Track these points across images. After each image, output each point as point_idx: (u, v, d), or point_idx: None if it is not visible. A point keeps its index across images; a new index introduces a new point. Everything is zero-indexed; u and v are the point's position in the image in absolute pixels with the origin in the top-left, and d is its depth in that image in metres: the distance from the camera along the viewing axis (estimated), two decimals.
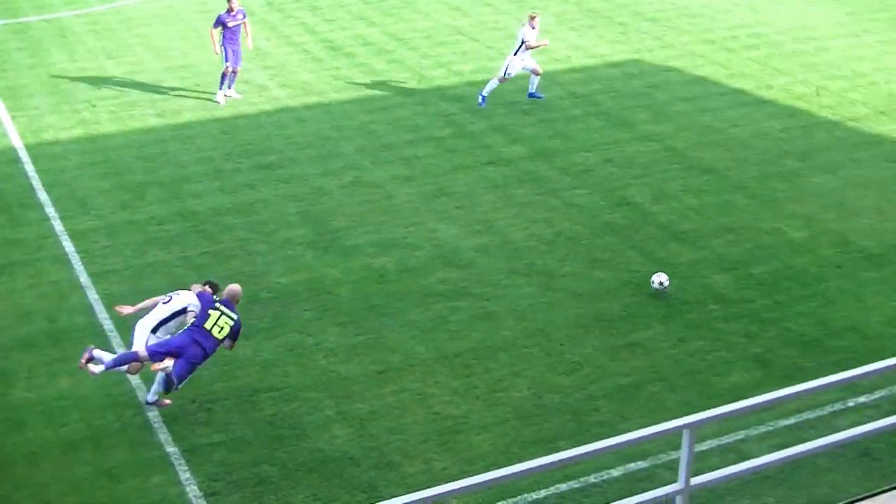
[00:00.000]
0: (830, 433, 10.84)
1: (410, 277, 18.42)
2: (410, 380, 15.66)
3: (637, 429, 9.21)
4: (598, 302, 17.67)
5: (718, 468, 9.98)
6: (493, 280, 18.32)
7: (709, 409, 9.41)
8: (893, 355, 10.50)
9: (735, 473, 9.84)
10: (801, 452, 10.17)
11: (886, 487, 10.70)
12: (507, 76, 25.51)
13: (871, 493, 10.66)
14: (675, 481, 9.31)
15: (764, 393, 9.76)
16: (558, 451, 8.81)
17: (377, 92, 27.02)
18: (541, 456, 8.71)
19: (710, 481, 9.62)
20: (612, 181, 22.14)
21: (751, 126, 24.94)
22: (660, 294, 17.78)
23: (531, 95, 25.94)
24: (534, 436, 14.45)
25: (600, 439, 9.03)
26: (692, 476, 9.27)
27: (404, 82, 27.66)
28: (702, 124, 25.03)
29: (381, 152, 23.47)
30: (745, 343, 16.55)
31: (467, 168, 22.69)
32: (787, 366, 15.92)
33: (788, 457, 10.09)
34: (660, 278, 17.84)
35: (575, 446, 9.03)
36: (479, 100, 25.72)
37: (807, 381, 10.03)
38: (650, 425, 9.20)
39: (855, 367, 10.23)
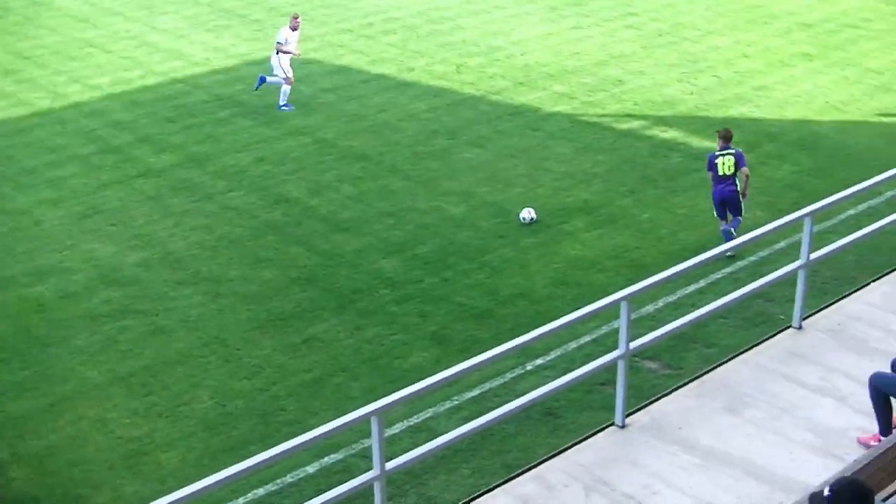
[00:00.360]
0: (514, 398, 11.05)
1: (72, 302, 17.57)
2: (87, 407, 14.92)
3: (326, 422, 9.08)
4: (268, 302, 17.38)
5: (411, 449, 9.99)
6: (159, 293, 17.72)
7: (393, 392, 9.39)
8: (561, 315, 10.76)
9: (428, 452, 9.86)
10: (489, 421, 10.30)
11: (571, 443, 11.00)
12: (288, 76, 25.28)
13: (558, 449, 10.93)
14: (370, 469, 9.24)
15: (445, 369, 9.82)
16: (250, 457, 8.57)
17: (10, 114, 25.71)
18: (233, 464, 8.46)
19: (405, 463, 9.60)
20: (268, 179, 21.87)
21: (397, 109, 25.21)
22: (530, 224, 19.43)
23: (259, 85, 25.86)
24: (223, 445, 14.05)
25: (290, 438, 8.84)
26: (386, 461, 9.23)
27: (38, 102, 26.44)
28: (349, 112, 25.11)
29: (21, 177, 22.31)
30: (420, 323, 16.66)
31: (117, 183, 21.88)
32: (463, 339, 16.13)
33: (477, 427, 10.19)
34: (528, 213, 19.57)
35: (266, 449, 8.79)
36: (287, 109, 25.28)
37: (484, 351, 10.17)
38: (338, 417, 9.10)
39: (527, 331, 10.42)
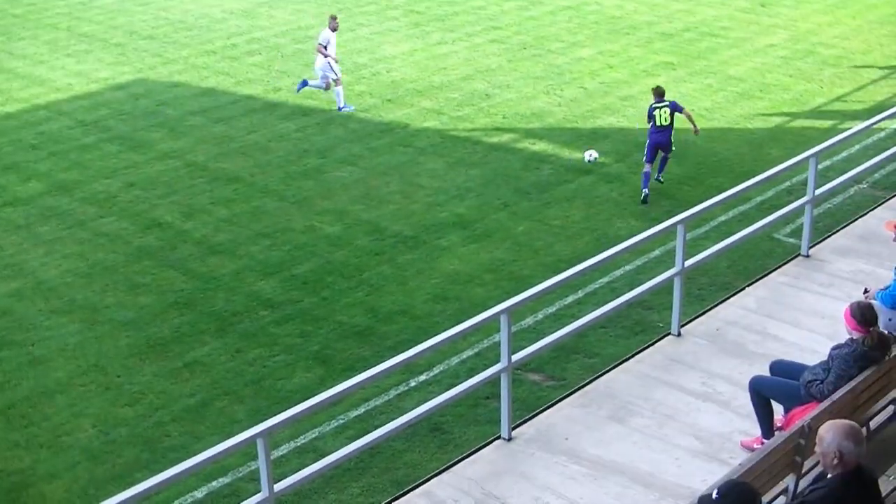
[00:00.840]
0: (399, 415, 11.09)
1: None
2: None
3: (211, 447, 9.04)
4: (147, 328, 17.15)
5: (299, 470, 9.98)
6: (34, 323, 17.35)
7: (279, 413, 9.40)
8: (442, 331, 10.87)
9: (316, 472, 9.88)
10: (376, 439, 10.35)
11: (459, 457, 11.08)
12: (337, 76, 25.97)
13: (446, 465, 11.01)
14: (259, 491, 9.22)
15: (329, 388, 9.87)
16: (136, 484, 8.50)
17: None
18: (119, 492, 8.39)
19: (293, 484, 9.61)
20: (139, 204, 21.57)
21: (267, 130, 25.08)
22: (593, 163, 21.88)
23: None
24: (108, 473, 13.82)
25: (176, 464, 8.78)
26: (275, 482, 9.22)
27: None
28: (219, 134, 24.91)
29: None
30: (302, 343, 16.59)
31: None
32: (346, 358, 16.11)
33: (364, 446, 10.24)
34: (590, 154, 22.04)
35: (152, 475, 8.71)
36: (348, 108, 26.01)
37: (367, 369, 10.22)
38: (224, 441, 9.07)
39: (409, 348, 10.53)
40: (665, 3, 33.56)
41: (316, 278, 18.54)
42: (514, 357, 11.11)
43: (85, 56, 30.88)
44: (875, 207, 16.56)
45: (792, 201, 16.50)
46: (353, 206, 21.20)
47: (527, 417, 11.57)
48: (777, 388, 10.39)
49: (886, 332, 10.17)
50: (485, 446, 11.12)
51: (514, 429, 11.24)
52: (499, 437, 11.17)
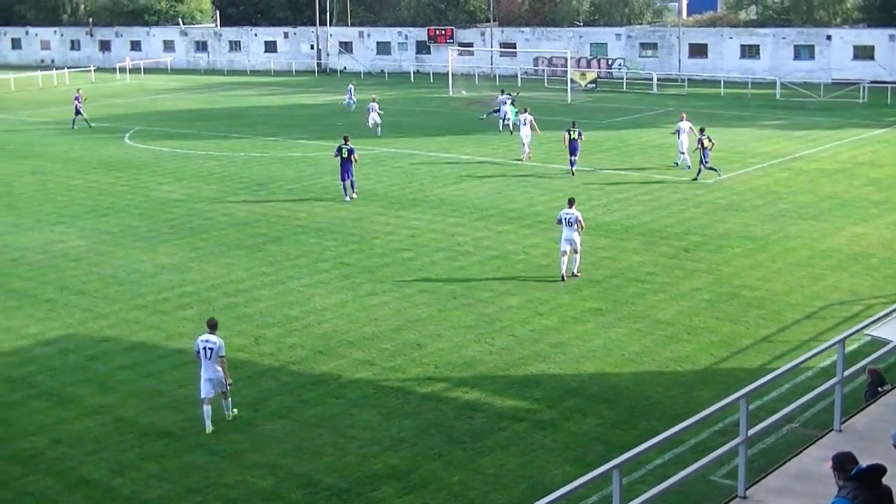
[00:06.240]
0: None
1: None
2: None
3: None
4: None
5: None
6: None
7: None
8: None
9: None
10: None
11: None
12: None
13: None
14: None
15: None
16: None
17: None
18: None
19: None
20: (65, 462, 21.14)
21: (197, 384, 24.80)
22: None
23: None
24: None
25: None
26: None
27: None
28: (149, 389, 24.68)
29: None
30: None
31: None
32: None
33: None
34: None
35: None
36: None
37: None
38: None
39: None
40: (589, 251, 34.23)
41: None
42: None
43: (14, 312, 30.72)
44: (808, 446, 16.60)
45: (725, 442, 16.53)
46: (285, 460, 20.92)
47: None
48: None
49: None
50: None
51: None
52: None
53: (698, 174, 46.91)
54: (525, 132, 52.84)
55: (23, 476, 20.59)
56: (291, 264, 34.86)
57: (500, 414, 22.72)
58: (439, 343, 27.18)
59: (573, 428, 21.77)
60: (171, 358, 26.72)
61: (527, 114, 53.51)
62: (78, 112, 68.64)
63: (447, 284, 32.20)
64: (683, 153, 49.40)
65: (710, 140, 46.53)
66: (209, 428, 22.06)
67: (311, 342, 27.50)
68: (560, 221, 32.01)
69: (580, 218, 32.00)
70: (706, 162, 46.53)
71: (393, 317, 29.39)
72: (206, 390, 22.28)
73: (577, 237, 31.93)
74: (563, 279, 31.97)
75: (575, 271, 32.39)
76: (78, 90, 71.95)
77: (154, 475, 20.42)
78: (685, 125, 49.42)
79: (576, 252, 32.23)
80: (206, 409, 22.27)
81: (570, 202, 32.78)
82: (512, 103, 62.90)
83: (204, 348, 22.24)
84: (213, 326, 22.72)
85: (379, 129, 62.23)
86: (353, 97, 76.05)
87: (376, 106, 63.47)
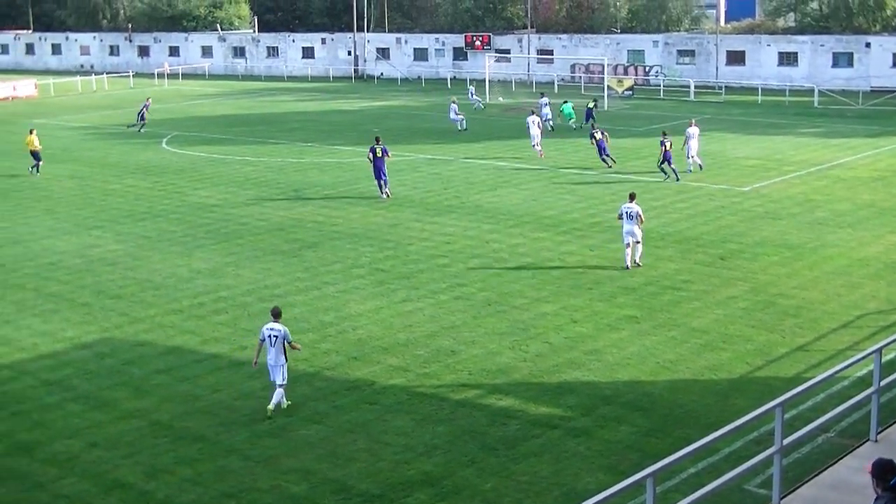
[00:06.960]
0: None
1: None
2: None
3: None
4: None
5: None
6: None
7: None
8: None
9: None
10: None
11: None
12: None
13: None
14: None
15: None
16: None
17: None
18: None
19: None
20: (101, 465, 21.25)
21: (232, 388, 24.98)
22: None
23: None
24: None
25: None
26: None
27: None
28: (184, 393, 24.78)
29: None
30: None
31: None
32: None
33: None
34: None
35: None
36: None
37: None
38: None
39: None
40: (625, 257, 34.17)
41: None
42: None
43: (51, 316, 30.94)
44: (844, 456, 16.48)
45: (760, 451, 16.40)
46: (319, 465, 20.95)
47: None
48: None
49: None
50: None
51: None
52: None
53: (677, 176, 48.89)
54: (535, 132, 56.24)
55: (58, 479, 20.70)
56: (327, 270, 34.93)
57: (534, 421, 22.66)
58: (473, 350, 27.15)
59: (607, 436, 21.70)
60: (206, 363, 26.82)
61: (534, 115, 57.15)
62: (142, 118, 70.38)
63: (482, 291, 32.17)
64: (691, 158, 50.94)
65: (671, 144, 48.54)
66: (273, 408, 23.35)
67: (345, 348, 27.53)
68: (621, 216, 34.09)
69: (640, 212, 33.92)
70: (669, 163, 48.67)
71: (427, 323, 29.39)
72: (273, 374, 23.44)
73: (637, 230, 33.96)
74: (627, 268, 34.02)
75: (637, 261, 34.29)
76: (148, 98, 73.03)
77: (188, 479, 20.50)
78: (694, 130, 51.00)
79: (638, 243, 34.24)
80: (280, 391, 23.41)
81: (632, 196, 34.66)
82: (564, 103, 67.21)
83: (269, 336, 23.34)
84: (276, 315, 23.79)
85: (463, 123, 68.25)
86: (476, 97, 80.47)
87: (455, 107, 68.78)
